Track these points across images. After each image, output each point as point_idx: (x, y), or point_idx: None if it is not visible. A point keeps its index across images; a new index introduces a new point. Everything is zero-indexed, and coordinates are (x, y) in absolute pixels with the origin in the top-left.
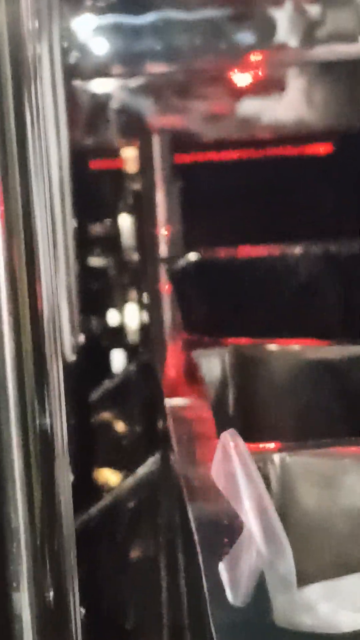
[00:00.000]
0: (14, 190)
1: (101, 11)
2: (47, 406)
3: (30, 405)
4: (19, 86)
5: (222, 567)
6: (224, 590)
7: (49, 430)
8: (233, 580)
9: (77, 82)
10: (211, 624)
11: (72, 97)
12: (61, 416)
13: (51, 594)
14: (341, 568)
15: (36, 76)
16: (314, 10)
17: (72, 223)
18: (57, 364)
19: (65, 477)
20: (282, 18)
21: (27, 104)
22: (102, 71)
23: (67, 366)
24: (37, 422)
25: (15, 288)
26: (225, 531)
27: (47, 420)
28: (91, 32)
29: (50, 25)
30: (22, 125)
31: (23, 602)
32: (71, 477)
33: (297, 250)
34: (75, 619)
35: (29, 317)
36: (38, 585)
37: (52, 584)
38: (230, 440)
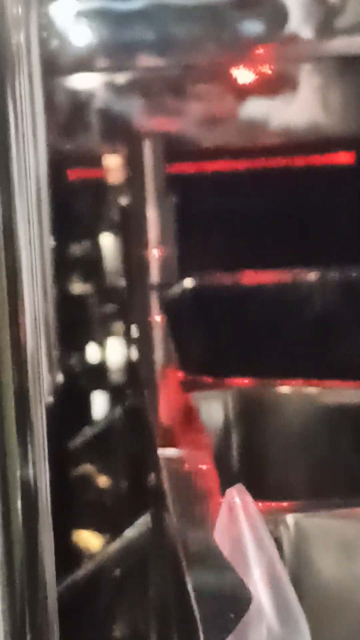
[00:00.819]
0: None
1: None
2: (29, 455)
3: (11, 454)
4: (1, 82)
5: None
6: None
7: (31, 481)
8: None
9: (56, 78)
10: None
11: (50, 94)
12: (45, 466)
13: None
14: None
15: (19, 70)
16: None
17: (49, 242)
18: (40, 407)
19: (49, 538)
20: (295, 5)
21: (10, 103)
22: (84, 65)
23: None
24: (19, 472)
25: None
26: (230, 604)
27: (30, 471)
28: (72, 19)
29: (27, 10)
30: (4, 127)
31: None
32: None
33: (312, 276)
34: None
35: (10, 353)
36: None
37: None
38: (237, 497)
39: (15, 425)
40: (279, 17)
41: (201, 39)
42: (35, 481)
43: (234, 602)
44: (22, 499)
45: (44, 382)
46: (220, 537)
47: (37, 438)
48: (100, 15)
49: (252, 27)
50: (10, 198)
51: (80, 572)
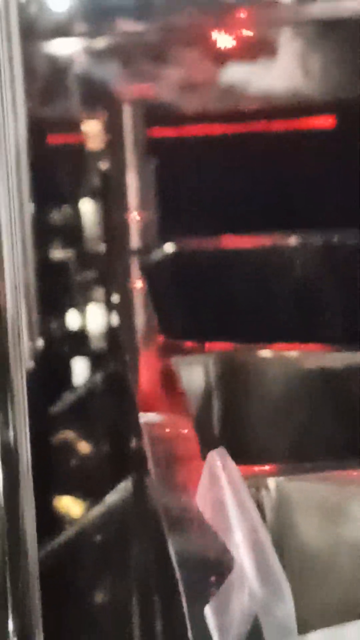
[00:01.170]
0: None
1: None
2: (10, 419)
3: None
4: None
5: (209, 611)
6: (212, 633)
7: (12, 446)
8: (222, 627)
9: (34, 42)
10: None
11: (28, 59)
12: (25, 431)
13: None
14: (347, 611)
15: (9, 29)
16: None
17: (29, 208)
18: (20, 372)
19: (29, 502)
20: None
21: None
22: (63, 29)
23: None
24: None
25: None
26: (212, 568)
27: (10, 434)
28: None
29: None
30: None
31: None
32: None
33: (293, 240)
34: None
35: None
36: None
37: (15, 629)
38: (219, 461)
39: None
40: None
41: (180, 3)
42: (16, 445)
43: (216, 567)
44: (3, 463)
45: (24, 347)
46: (202, 501)
47: (17, 402)
48: None
49: None
50: None
51: (61, 538)
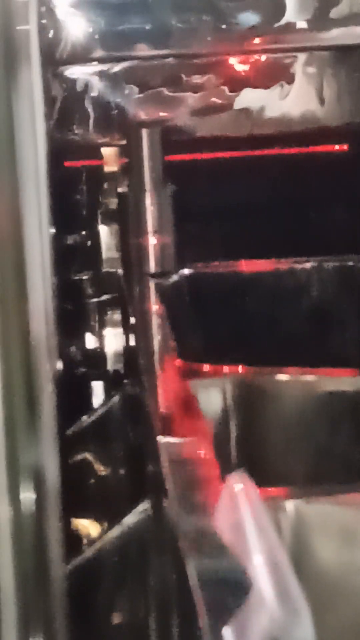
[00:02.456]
0: (2, 191)
1: None
2: (38, 441)
3: (19, 436)
4: (9, 69)
5: (227, 633)
6: None
7: (40, 467)
8: None
9: (52, 67)
10: None
11: (47, 84)
12: (53, 452)
13: None
14: None
15: (26, 57)
16: None
17: (48, 231)
18: (48, 394)
19: (56, 523)
20: None
21: (13, 93)
22: (82, 55)
23: None
24: (27, 455)
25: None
26: (231, 591)
27: (39, 456)
28: (70, 9)
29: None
30: (9, 119)
31: None
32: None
33: (309, 265)
34: None
35: (18, 341)
36: None
37: None
38: (239, 484)
39: (24, 412)
40: (275, 7)
41: (198, 30)
42: (44, 467)
43: (234, 589)
44: (34, 486)
45: (51, 369)
46: (221, 523)
47: (46, 424)
48: (98, 5)
49: (248, 17)
50: (17, 189)
51: (80, 559)
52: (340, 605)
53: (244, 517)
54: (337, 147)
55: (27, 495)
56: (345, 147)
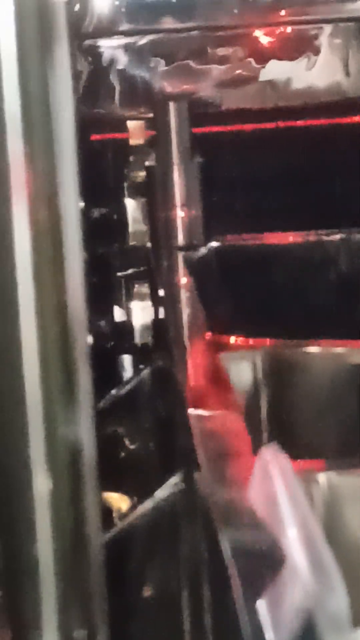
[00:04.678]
0: (40, 168)
1: None
2: (77, 415)
3: (57, 410)
4: (45, 43)
5: (262, 605)
6: (264, 633)
7: (79, 441)
8: (276, 621)
9: (78, 41)
10: None
11: (73, 58)
12: (91, 426)
13: (80, 632)
14: None
15: (60, 31)
16: None
17: (77, 205)
18: (85, 367)
19: (95, 497)
20: None
21: (50, 69)
22: (107, 29)
23: None
24: (65, 429)
25: (41, 282)
26: (265, 563)
27: (78, 430)
28: None
29: None
30: (45, 94)
31: None
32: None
33: (338, 237)
34: None
35: (56, 313)
36: (68, 622)
37: (80, 619)
38: (272, 457)
39: (60, 385)
40: None
41: (223, 2)
42: (82, 441)
43: (268, 561)
44: (71, 460)
45: (87, 343)
46: (254, 495)
47: (84, 398)
48: None
49: None
50: (54, 162)
51: (113, 532)
52: None
53: (277, 490)
54: None
55: (65, 469)
56: None
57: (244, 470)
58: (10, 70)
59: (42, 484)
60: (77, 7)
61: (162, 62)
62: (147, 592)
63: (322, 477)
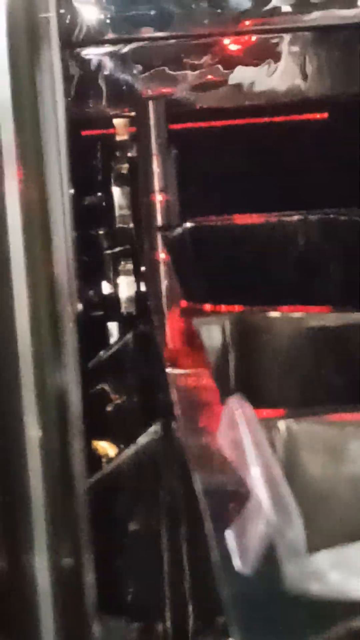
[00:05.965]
0: (33, 160)
1: None
2: (64, 369)
3: (47, 367)
4: (34, 52)
5: (230, 535)
6: (232, 559)
7: (65, 391)
8: (242, 549)
9: (70, 49)
10: (219, 593)
11: (65, 64)
12: (77, 378)
13: (68, 560)
14: (347, 536)
15: (47, 41)
16: None
17: (68, 192)
18: (71, 329)
19: (79, 441)
20: None
21: (38, 73)
22: (94, 38)
23: None
24: (54, 381)
25: (31, 253)
26: (232, 499)
27: (64, 381)
28: None
29: None
30: (34, 93)
31: (41, 566)
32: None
33: (295, 218)
34: (89, 587)
35: (46, 283)
36: (57, 549)
37: (67, 548)
38: (237, 405)
39: (50, 342)
40: None
41: (195, 14)
42: (67, 392)
43: (235, 497)
44: (59, 411)
45: (73, 308)
46: (223, 440)
47: (69, 353)
48: None
49: (240, 2)
50: (41, 156)
51: (101, 473)
52: (325, 510)
53: (243, 434)
54: (318, 115)
55: (54, 419)
56: (325, 115)
57: (214, 419)
58: (3, 75)
59: (33, 432)
60: (68, 19)
61: (142, 67)
62: (130, 527)
63: (281, 424)
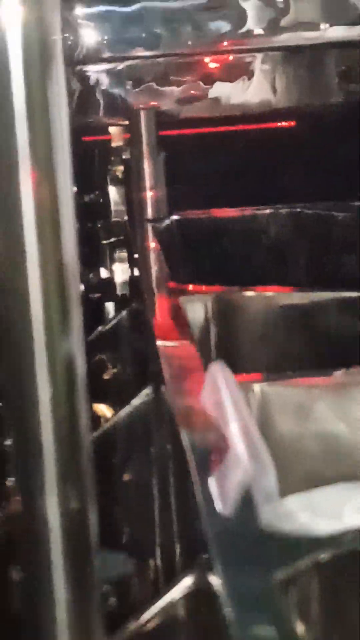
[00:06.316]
0: (42, 162)
1: (92, 2)
2: (70, 339)
3: (57, 335)
4: (45, 69)
5: (212, 483)
6: (214, 503)
7: (72, 357)
8: (222, 494)
9: (72, 67)
10: (203, 531)
11: (68, 79)
12: (82, 347)
13: (75, 502)
14: (311, 484)
15: (55, 59)
16: (280, 0)
17: (71, 189)
18: (77, 304)
19: (85, 403)
20: (251, 8)
21: (49, 86)
22: (93, 57)
23: None
24: (62, 349)
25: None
26: (214, 451)
27: (70, 351)
28: (84, 21)
29: (53, 15)
30: (44, 106)
31: (52, 507)
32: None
33: (267, 211)
34: (92, 526)
35: (57, 267)
36: (65, 493)
37: (74, 493)
38: (219, 371)
39: (60, 313)
40: (239, 18)
41: (180, 36)
42: (74, 357)
43: (217, 450)
44: (66, 369)
45: (78, 288)
46: (206, 401)
47: (75, 324)
48: (106, 18)
49: (219, 26)
50: (50, 159)
51: (101, 430)
52: (294, 462)
53: (223, 395)
54: (286, 123)
55: (63, 381)
56: (292, 123)
57: (198, 383)
58: (19, 88)
59: (45, 391)
60: (70, 41)
61: (134, 83)
62: (125, 476)
63: (256, 387)
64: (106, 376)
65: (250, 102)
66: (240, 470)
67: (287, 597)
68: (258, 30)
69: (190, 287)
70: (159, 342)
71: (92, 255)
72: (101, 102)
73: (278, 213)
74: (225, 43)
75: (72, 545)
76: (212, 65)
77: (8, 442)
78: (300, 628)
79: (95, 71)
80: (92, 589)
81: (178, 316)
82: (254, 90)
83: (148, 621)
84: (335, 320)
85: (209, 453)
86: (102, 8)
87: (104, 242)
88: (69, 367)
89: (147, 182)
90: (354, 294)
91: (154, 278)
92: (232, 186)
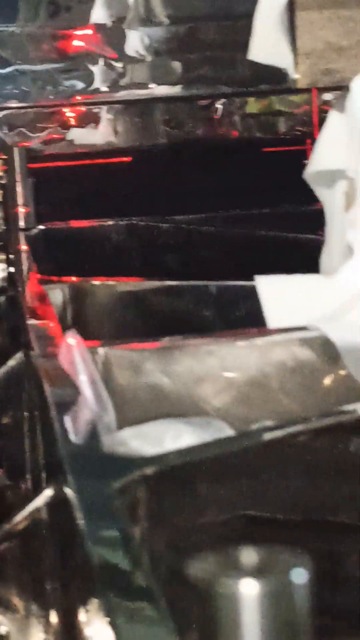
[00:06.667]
0: None
1: None
2: None
3: None
4: None
5: (67, 420)
6: (69, 434)
7: None
8: (75, 427)
9: None
10: (61, 455)
11: None
12: None
13: None
14: (142, 421)
15: None
16: (118, 65)
17: None
18: None
19: None
20: (98, 71)
21: None
22: None
23: None
24: None
25: None
26: (71, 398)
27: None
28: None
29: None
30: None
31: None
32: None
33: (111, 222)
34: None
35: None
36: None
37: None
38: (72, 337)
39: None
40: (88, 78)
41: (44, 91)
42: None
43: (71, 396)
44: None
45: None
46: (63, 361)
47: None
48: None
49: (73, 84)
50: None
51: None
52: (129, 406)
53: (75, 356)
54: (124, 159)
55: None
56: (129, 159)
57: (57, 348)
58: None
59: None
60: None
61: (9, 127)
62: (2, 419)
63: (100, 350)
64: None
65: (98, 143)
66: (88, 409)
67: (122, 502)
68: (104, 88)
69: (53, 278)
70: (29, 322)
71: None
72: None
73: (118, 224)
74: (78, 97)
75: None
76: (69, 114)
77: None
78: (131, 527)
79: None
80: None
81: (43, 300)
82: (100, 133)
83: (18, 523)
84: (161, 302)
85: (66, 398)
86: None
87: None
88: None
89: (20, 200)
90: (174, 282)
91: (25, 272)
92: (84, 205)
